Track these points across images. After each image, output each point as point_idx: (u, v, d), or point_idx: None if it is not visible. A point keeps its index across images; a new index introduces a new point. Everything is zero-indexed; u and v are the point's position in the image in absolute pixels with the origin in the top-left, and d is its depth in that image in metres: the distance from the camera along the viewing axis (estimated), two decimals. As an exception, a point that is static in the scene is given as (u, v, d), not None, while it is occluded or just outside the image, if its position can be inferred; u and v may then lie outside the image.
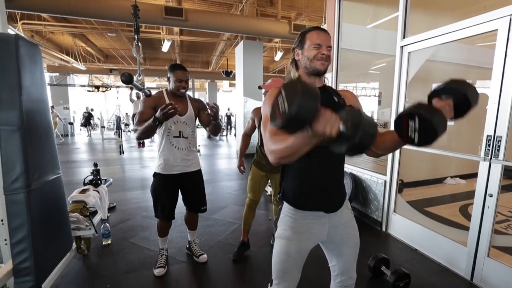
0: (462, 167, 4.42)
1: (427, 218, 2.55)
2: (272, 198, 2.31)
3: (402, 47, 2.37)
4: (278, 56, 9.30)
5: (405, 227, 2.48)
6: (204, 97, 19.21)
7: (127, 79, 1.54)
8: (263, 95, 2.05)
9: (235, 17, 6.10)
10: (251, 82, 6.95)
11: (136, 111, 8.34)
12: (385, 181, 2.59)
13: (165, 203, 1.90)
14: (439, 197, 3.70)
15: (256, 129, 2.15)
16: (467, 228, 1.97)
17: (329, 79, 3.46)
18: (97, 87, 6.92)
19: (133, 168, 5.76)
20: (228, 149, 9.25)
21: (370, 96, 3.47)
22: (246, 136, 2.29)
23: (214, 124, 1.87)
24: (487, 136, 1.76)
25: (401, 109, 2.44)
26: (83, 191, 2.35)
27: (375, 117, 3.23)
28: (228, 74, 10.01)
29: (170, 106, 1.57)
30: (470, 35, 1.90)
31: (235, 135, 12.82)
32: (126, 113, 14.48)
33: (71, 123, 13.12)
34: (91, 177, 2.72)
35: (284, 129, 0.68)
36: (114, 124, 14.49)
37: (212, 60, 12.86)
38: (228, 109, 15.05)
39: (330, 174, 1.01)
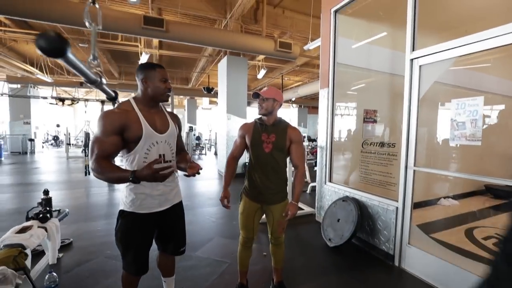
0: (453, 187, 4.32)
1: (446, 250, 2.24)
2: (269, 236, 1.81)
3: (412, 60, 2.18)
4: (261, 74, 9.19)
5: (423, 262, 2.15)
6: (182, 114, 18.59)
7: (51, 43, 0.88)
8: (258, 104, 1.67)
9: (220, 31, 5.88)
10: (235, 98, 6.65)
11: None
12: (397, 208, 2.29)
13: (140, 251, 1.39)
14: (440, 221, 3.49)
15: (248, 149, 1.72)
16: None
17: (325, 95, 3.22)
18: (62, 100, 6.18)
19: (99, 192, 5.03)
20: (209, 168, 8.68)
21: (370, 115, 3.26)
22: (233, 160, 1.76)
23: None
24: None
25: (413, 130, 2.18)
26: (23, 230, 1.77)
27: (368, 134, 2.99)
28: (210, 91, 9.69)
29: (170, 169, 1.21)
30: (489, 47, 1.72)
31: (215, 153, 12.32)
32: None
33: (31, 140, 11.81)
34: (40, 209, 2.12)
35: None
36: (82, 141, 13.31)
37: (192, 77, 12.51)
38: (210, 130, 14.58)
39: None
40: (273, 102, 1.65)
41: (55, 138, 16.00)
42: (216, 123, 9.42)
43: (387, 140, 2.60)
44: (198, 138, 13.72)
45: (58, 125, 16.50)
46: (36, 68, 9.84)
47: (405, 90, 2.21)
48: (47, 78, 10.33)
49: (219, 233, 3.02)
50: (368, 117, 3.25)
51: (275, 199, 1.69)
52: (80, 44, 7.82)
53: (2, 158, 9.67)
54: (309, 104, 16.94)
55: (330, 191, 3.12)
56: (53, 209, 2.22)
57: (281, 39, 7.14)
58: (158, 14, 5.97)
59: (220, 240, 2.81)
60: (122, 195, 1.38)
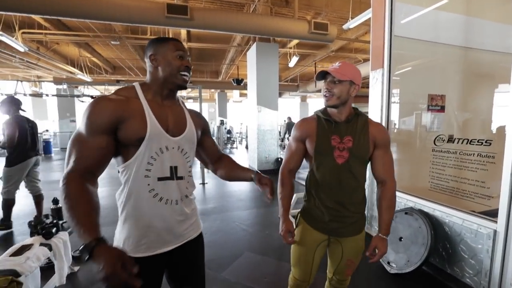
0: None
1: None
2: (329, 275, 1.31)
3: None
4: (293, 61, 8.49)
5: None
6: (213, 107, 18.60)
7: None
8: (325, 90, 1.08)
9: (247, 15, 5.38)
10: (266, 89, 6.14)
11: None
12: (495, 231, 1.63)
13: None
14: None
15: (312, 158, 1.15)
16: None
17: (379, 78, 2.57)
18: (93, 98, 6.28)
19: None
20: (240, 163, 8.33)
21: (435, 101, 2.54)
22: (289, 175, 1.22)
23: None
24: None
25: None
26: (20, 250, 1.51)
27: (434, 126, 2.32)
28: (239, 82, 9.31)
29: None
30: None
31: (246, 147, 12.02)
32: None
33: (77, 137, 12.65)
34: (47, 221, 1.89)
35: None
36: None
37: (221, 69, 12.27)
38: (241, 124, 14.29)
39: None
40: (349, 87, 1.07)
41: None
42: (246, 116, 9.06)
43: (476, 136, 1.90)
44: (229, 132, 13.56)
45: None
46: (77, 69, 10.37)
47: (513, 63, 1.52)
48: (87, 78, 10.88)
49: (250, 246, 2.60)
50: (434, 105, 2.56)
51: (350, 230, 1.15)
52: (112, 42, 7.91)
53: (52, 154, 10.46)
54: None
55: (385, 199, 2.51)
56: (64, 220, 1.99)
57: (316, 20, 6.41)
58: (183, 1, 5.65)
59: (250, 257, 2.39)
60: (117, 230, 0.97)
